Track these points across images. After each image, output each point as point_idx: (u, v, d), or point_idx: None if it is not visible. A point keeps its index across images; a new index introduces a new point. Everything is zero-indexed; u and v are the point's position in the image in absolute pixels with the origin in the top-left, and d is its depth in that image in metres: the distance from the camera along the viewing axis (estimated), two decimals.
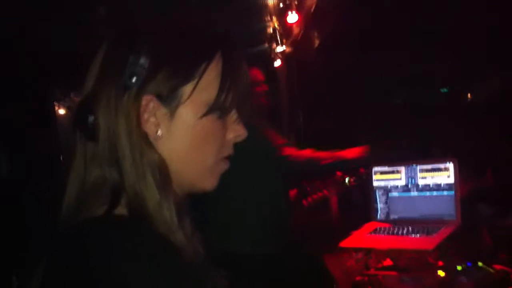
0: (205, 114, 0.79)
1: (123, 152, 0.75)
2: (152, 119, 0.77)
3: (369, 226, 1.96)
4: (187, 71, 0.79)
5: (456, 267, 1.48)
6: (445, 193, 1.87)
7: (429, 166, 1.93)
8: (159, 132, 0.78)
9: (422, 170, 1.94)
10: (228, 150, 0.85)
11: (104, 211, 0.73)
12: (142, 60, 0.76)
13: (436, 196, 1.89)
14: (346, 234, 1.85)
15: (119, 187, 0.75)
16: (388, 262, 1.58)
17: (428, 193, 1.91)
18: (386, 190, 2.00)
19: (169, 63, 0.78)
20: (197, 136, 0.80)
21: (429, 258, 1.57)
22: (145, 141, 0.77)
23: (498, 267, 1.44)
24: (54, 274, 0.70)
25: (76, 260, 0.68)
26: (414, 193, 1.95)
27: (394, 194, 2.00)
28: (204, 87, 0.79)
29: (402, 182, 1.98)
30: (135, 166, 0.75)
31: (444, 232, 1.73)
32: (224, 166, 0.85)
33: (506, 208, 1.82)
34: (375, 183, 2.04)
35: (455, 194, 1.85)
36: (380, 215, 2.01)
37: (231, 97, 0.81)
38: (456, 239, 1.70)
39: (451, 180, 1.87)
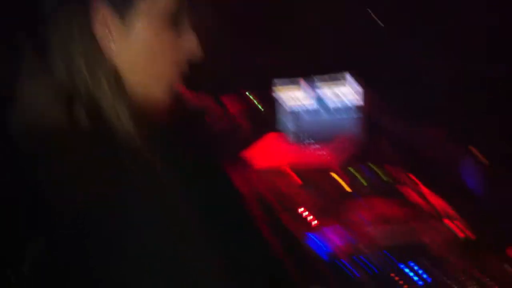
0: (158, 25, 0.82)
1: (78, 63, 0.77)
2: (107, 31, 0.80)
3: (272, 139, 1.88)
4: None
5: (348, 169, 1.56)
6: (352, 109, 1.78)
7: (333, 82, 1.82)
8: (113, 44, 0.80)
9: (325, 85, 1.83)
10: (182, 62, 0.88)
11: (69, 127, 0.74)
12: None
13: (342, 113, 1.79)
14: (250, 147, 1.83)
15: (77, 99, 0.77)
16: (293, 177, 1.60)
17: (333, 109, 1.81)
18: (290, 105, 1.89)
19: None
20: (150, 47, 0.83)
21: (335, 172, 1.64)
22: (100, 53, 0.79)
23: (389, 168, 1.53)
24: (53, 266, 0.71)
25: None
26: (319, 109, 1.84)
27: (299, 109, 1.88)
28: None
29: (306, 98, 1.86)
30: (91, 77, 0.77)
31: (349, 148, 1.70)
32: (176, 77, 0.89)
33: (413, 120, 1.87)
34: (277, 97, 1.90)
35: (360, 111, 1.76)
36: (284, 129, 1.89)
37: (185, 7, 0.85)
38: (362, 154, 1.72)
39: (356, 96, 1.77)
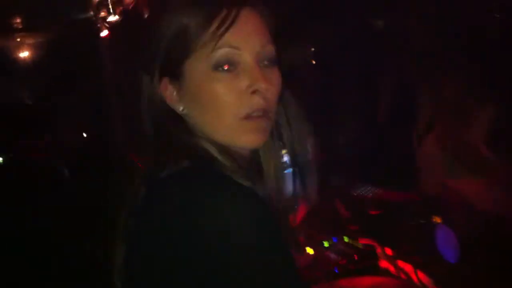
0: (209, 77, 0.87)
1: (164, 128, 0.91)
2: (171, 96, 0.91)
3: None
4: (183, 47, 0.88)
5: (323, 243, 1.55)
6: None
7: None
8: (181, 107, 0.91)
9: None
10: (251, 104, 0.88)
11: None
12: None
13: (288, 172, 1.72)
14: None
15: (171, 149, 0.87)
16: None
17: None
18: None
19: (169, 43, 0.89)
20: (206, 99, 0.88)
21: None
22: (174, 115, 0.91)
23: (363, 241, 1.54)
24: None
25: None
26: None
27: None
28: (199, 56, 0.88)
29: None
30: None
31: (301, 209, 1.68)
32: (256, 123, 0.89)
33: (356, 178, 1.86)
34: None
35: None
36: None
37: (225, 50, 0.86)
38: (314, 215, 1.71)
39: None
